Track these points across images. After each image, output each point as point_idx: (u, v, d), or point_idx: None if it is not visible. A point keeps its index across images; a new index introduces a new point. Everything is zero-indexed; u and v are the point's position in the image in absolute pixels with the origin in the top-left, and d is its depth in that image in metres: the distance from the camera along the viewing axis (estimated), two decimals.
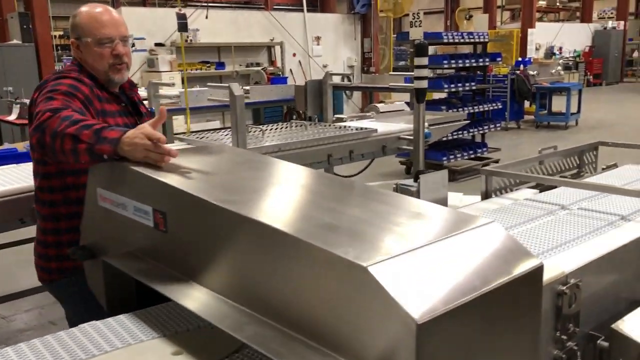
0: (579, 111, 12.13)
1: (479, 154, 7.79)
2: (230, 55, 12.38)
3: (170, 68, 10.86)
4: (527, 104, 12.48)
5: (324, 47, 13.86)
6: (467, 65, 7.54)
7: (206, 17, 11.70)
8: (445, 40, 7.12)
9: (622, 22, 23.00)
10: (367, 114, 4.62)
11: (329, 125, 3.85)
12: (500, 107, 8.05)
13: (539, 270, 1.06)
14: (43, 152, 1.74)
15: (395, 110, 3.60)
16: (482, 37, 7.57)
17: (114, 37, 1.96)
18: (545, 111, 12.26)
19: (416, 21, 7.14)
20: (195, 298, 1.20)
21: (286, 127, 3.71)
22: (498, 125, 7.96)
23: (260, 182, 1.43)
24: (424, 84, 2.26)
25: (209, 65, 12.05)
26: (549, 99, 12.23)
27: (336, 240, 0.99)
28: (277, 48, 13.02)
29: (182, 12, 6.72)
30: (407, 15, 23.49)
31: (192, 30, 11.46)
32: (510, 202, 2.41)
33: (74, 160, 1.65)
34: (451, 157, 7.44)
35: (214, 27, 11.95)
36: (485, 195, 2.54)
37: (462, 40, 7.35)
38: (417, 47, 2.26)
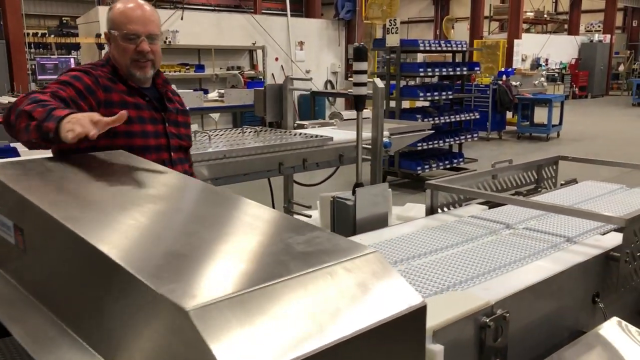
0: (561, 123, 12.05)
1: (455, 165, 7.65)
2: (210, 58, 12.19)
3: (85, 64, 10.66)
4: (509, 114, 12.40)
5: (308, 53, 13.72)
6: (445, 73, 7.41)
7: (181, 19, 11.50)
8: (422, 48, 6.98)
9: (608, 36, 23.09)
10: (331, 121, 4.45)
11: (285, 132, 3.68)
12: (477, 117, 7.92)
13: (420, 312, 0.89)
14: (10, 132, 1.73)
15: (364, 118, 3.43)
16: (460, 45, 7.44)
17: (140, 34, 1.92)
18: (528, 122, 12.17)
19: (392, 28, 6.99)
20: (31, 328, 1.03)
21: (238, 133, 3.54)
22: (475, 135, 7.83)
23: (131, 196, 1.25)
24: (363, 90, 2.10)
25: (188, 67, 11.86)
26: (531, 110, 12.15)
27: (164, 274, 0.82)
28: (259, 52, 12.85)
29: None
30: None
31: (171, 31, 11.27)
32: (454, 219, 2.25)
33: (26, 139, 1.64)
34: (426, 167, 7.29)
35: (194, 29, 11.76)
36: (430, 211, 2.38)
37: (439, 49, 7.22)
38: (355, 51, 2.10)
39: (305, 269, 0.86)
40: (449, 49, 7.35)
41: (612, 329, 1.69)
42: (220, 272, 0.85)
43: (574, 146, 11.15)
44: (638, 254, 1.90)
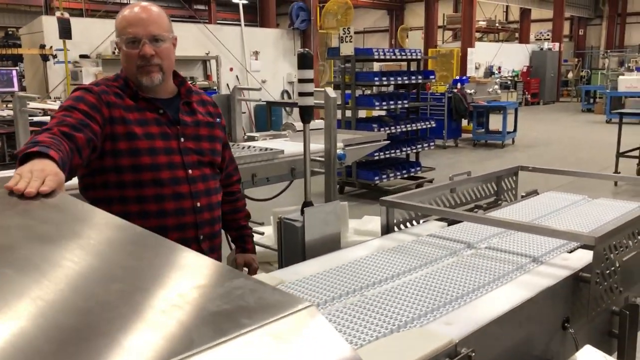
0: (515, 130, 12.19)
1: (412, 174, 7.56)
2: None
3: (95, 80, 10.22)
4: (465, 122, 12.48)
5: (263, 62, 13.51)
6: (400, 82, 7.33)
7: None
8: (376, 57, 6.87)
9: (557, 44, 23.73)
10: (283, 132, 4.25)
11: (233, 145, 3.46)
12: (434, 125, 7.87)
13: None
14: None
15: (318, 129, 3.25)
16: (415, 54, 7.38)
17: (140, 37, 1.79)
18: (483, 130, 12.27)
19: (346, 36, 6.87)
20: None
21: None
22: (432, 143, 7.77)
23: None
24: (310, 100, 1.91)
25: None
26: (486, 118, 12.26)
27: None
28: (213, 62, 12.58)
29: (64, 16, 6.17)
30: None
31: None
32: (411, 238, 2.07)
33: None
34: (384, 176, 7.18)
35: None
36: (386, 229, 2.20)
37: (393, 57, 7.13)
38: (299, 57, 1.91)
39: (214, 338, 0.65)
40: (404, 57, 7.28)
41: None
42: (95, 350, 0.63)
43: (528, 152, 11.27)
44: (607, 273, 1.76)
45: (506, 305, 1.48)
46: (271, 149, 3.24)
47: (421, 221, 2.32)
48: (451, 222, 2.23)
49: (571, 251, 1.90)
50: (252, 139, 3.93)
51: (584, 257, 1.78)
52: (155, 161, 1.82)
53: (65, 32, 5.56)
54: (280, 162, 3.31)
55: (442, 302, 1.48)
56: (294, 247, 1.97)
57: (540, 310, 1.59)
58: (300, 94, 1.93)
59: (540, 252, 1.86)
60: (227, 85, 12.80)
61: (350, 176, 7.33)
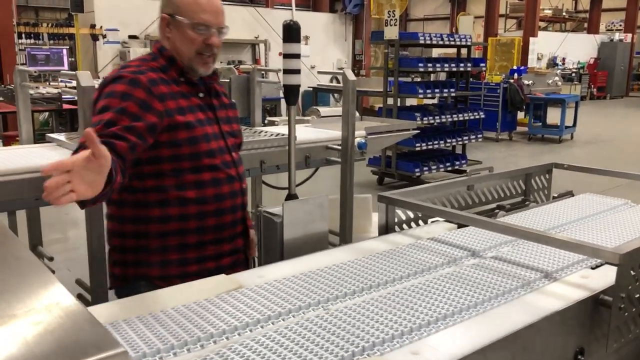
0: (575, 124, 11.48)
1: (457, 167, 7.18)
2: None
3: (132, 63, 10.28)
4: (521, 115, 11.86)
5: (313, 48, 13.28)
6: (447, 69, 6.94)
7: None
8: (422, 42, 6.51)
9: (629, 35, 22.32)
10: (306, 118, 4.02)
11: (246, 130, 3.26)
12: (482, 116, 7.42)
13: None
14: None
15: (339, 115, 3.00)
16: (464, 40, 6.96)
17: (211, 25, 1.77)
18: (540, 123, 11.62)
19: (391, 19, 6.53)
20: None
21: None
22: (479, 135, 7.34)
23: None
24: (295, 79, 1.67)
25: None
26: (543, 111, 11.60)
27: None
28: (262, 46, 12.45)
29: None
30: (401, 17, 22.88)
31: None
32: (410, 241, 1.81)
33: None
34: (425, 168, 6.84)
35: None
36: (385, 230, 1.94)
37: (441, 42, 6.73)
38: (285, 29, 1.67)
39: None
40: (452, 43, 6.87)
41: None
42: None
43: (587, 149, 10.60)
44: (637, 297, 1.45)
45: (497, 331, 1.21)
46: (283, 135, 3.02)
47: (429, 221, 2.06)
48: (461, 225, 1.95)
49: (595, 267, 1.59)
50: (272, 123, 3.72)
51: (608, 276, 1.47)
52: (210, 147, 1.81)
53: (76, 5, 5.47)
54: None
55: (418, 324, 1.22)
56: (272, 245, 1.75)
57: (545, 339, 1.31)
58: (285, 72, 1.70)
59: (556, 266, 1.56)
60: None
61: (389, 167, 7.03)
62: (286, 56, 1.68)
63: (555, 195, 2.42)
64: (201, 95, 1.85)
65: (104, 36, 10.12)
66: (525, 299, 1.39)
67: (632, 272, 1.41)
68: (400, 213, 1.97)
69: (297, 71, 1.70)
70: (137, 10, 10.76)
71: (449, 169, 7.18)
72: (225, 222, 1.83)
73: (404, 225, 1.99)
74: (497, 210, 2.24)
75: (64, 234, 5.51)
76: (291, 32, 1.68)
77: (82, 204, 1.43)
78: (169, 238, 1.77)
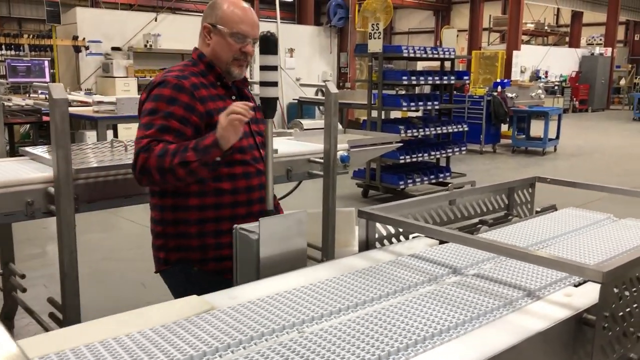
0: (558, 137, 11.58)
1: (441, 179, 7.17)
2: None
3: (126, 74, 10.21)
4: (505, 127, 11.93)
5: (298, 60, 13.29)
6: (431, 82, 6.95)
7: (155, 20, 11.03)
8: (405, 54, 6.51)
9: (609, 49, 22.67)
10: (289, 130, 3.97)
11: None
12: (466, 129, 7.44)
13: None
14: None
15: (322, 128, 2.95)
16: (447, 53, 6.98)
17: (248, 36, 2.02)
18: (523, 136, 11.69)
19: (375, 32, 6.54)
20: None
21: None
22: (463, 148, 7.34)
23: None
24: (273, 91, 1.63)
25: None
26: (527, 123, 11.68)
27: None
28: None
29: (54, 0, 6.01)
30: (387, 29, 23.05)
31: (152, 35, 10.85)
32: (390, 258, 1.76)
33: (194, 179, 1.90)
34: (409, 181, 6.81)
35: (177, 33, 11.34)
36: (366, 246, 1.89)
37: (424, 55, 6.75)
38: (261, 40, 1.63)
39: None
40: (435, 56, 6.89)
41: None
42: None
43: (570, 161, 10.67)
44: (621, 315, 1.41)
45: (479, 354, 1.16)
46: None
47: (410, 236, 2.01)
48: (443, 240, 1.90)
49: (578, 284, 1.56)
50: None
51: (591, 293, 1.44)
52: (240, 144, 1.98)
53: (53, 16, 5.39)
54: (273, 162, 3.02)
55: (396, 348, 1.17)
56: (249, 263, 1.69)
57: (531, 357, 1.26)
58: (262, 84, 1.65)
59: (539, 284, 1.52)
60: None
61: (374, 179, 7.00)
62: (263, 68, 1.64)
63: (539, 209, 2.40)
64: (234, 97, 2.09)
65: (87, 48, 10.02)
66: (508, 319, 1.35)
67: (615, 289, 1.38)
68: (381, 228, 1.93)
69: (275, 84, 1.66)
70: (120, 23, 10.70)
71: (433, 181, 7.17)
72: (254, 211, 2.04)
73: (385, 241, 1.95)
74: (479, 225, 2.21)
75: (42, 248, 5.40)
76: (268, 44, 1.64)
77: (204, 169, 1.84)
78: (206, 225, 1.98)
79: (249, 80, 2.17)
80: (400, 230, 1.96)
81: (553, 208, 2.41)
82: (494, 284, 1.53)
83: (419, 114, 8.26)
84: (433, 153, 7.10)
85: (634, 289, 1.44)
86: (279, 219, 1.70)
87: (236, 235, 1.74)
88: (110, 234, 6.02)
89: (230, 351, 1.17)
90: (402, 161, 6.70)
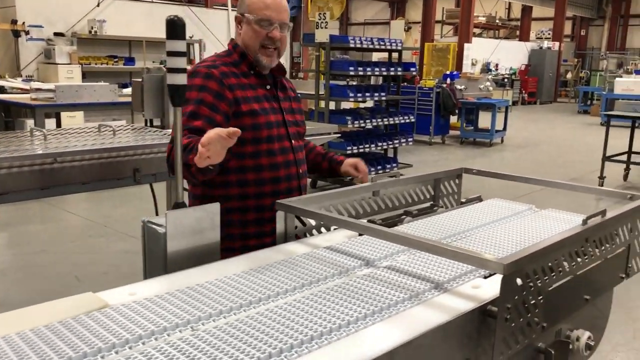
0: (505, 129, 11.83)
1: (387, 170, 7.21)
2: (142, 50, 11.45)
3: (69, 60, 9.85)
4: (454, 119, 12.12)
5: None
6: (377, 73, 6.97)
7: (97, 5, 10.68)
8: (352, 45, 6.49)
9: (557, 43, 23.30)
10: None
11: (156, 132, 3.11)
12: (413, 120, 7.51)
13: None
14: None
15: None
16: (394, 44, 7.00)
17: (274, 21, 2.02)
18: (472, 127, 11.91)
19: (322, 22, 6.49)
20: None
21: (94, 132, 2.95)
22: (410, 139, 7.41)
23: None
24: (181, 78, 1.57)
25: (116, 60, 11.09)
26: (475, 115, 11.89)
27: None
28: (197, 46, 12.19)
29: None
30: (337, 19, 23.09)
31: (97, 21, 10.51)
32: (306, 250, 1.73)
33: (194, 180, 1.93)
34: None
35: (124, 19, 11.01)
36: (285, 238, 1.86)
37: (371, 47, 6.74)
38: (168, 25, 1.56)
39: None
40: (382, 47, 6.90)
41: None
42: None
43: (516, 152, 10.93)
44: (525, 306, 1.42)
45: (372, 351, 1.14)
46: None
47: (332, 228, 1.99)
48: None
49: (488, 276, 1.56)
50: None
51: (499, 285, 1.44)
52: (270, 133, 2.03)
53: None
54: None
55: (290, 344, 1.14)
56: (156, 257, 1.63)
57: (426, 354, 1.25)
58: (170, 70, 1.58)
59: (448, 276, 1.52)
60: None
61: None
62: (171, 54, 1.57)
63: (463, 200, 2.41)
64: (268, 87, 2.10)
65: (27, 33, 9.62)
66: (410, 312, 1.33)
67: (519, 281, 1.38)
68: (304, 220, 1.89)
69: (183, 70, 1.59)
70: (64, 7, 10.31)
71: (380, 172, 7.21)
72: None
73: (307, 233, 1.91)
74: (404, 217, 2.20)
75: None
76: (175, 29, 1.57)
77: (200, 175, 1.81)
78: (231, 214, 1.98)
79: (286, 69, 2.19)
80: (321, 223, 1.93)
81: (478, 199, 2.43)
82: (404, 277, 1.52)
83: (371, 104, 8.28)
84: (380, 144, 7.13)
85: (539, 280, 1.45)
86: (187, 212, 1.65)
87: (144, 229, 1.67)
88: (48, 225, 5.82)
89: (114, 351, 1.11)
90: (349, 152, 6.71)
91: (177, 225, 1.61)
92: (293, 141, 2.13)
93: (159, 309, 1.29)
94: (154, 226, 1.65)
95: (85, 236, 5.50)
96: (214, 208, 1.70)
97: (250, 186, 2.03)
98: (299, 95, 2.30)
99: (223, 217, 1.97)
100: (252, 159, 2.02)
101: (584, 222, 1.64)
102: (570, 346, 1.73)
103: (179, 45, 1.56)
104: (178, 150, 1.67)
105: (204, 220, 1.68)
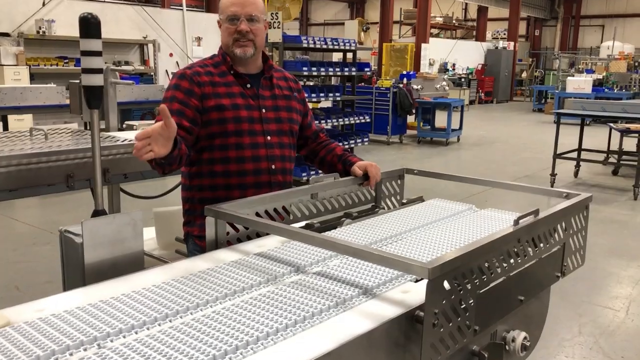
0: (461, 127, 11.98)
1: None
2: None
3: (16, 62, 9.51)
4: (411, 118, 12.21)
5: (206, 49, 12.93)
6: (332, 74, 6.94)
7: (43, 5, 10.36)
8: (305, 45, 6.44)
9: (512, 43, 23.78)
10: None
11: (84, 136, 2.99)
12: (367, 120, 7.51)
13: None
14: None
15: None
16: (348, 44, 6.98)
17: (239, 15, 2.07)
18: (429, 127, 12.02)
19: (274, 22, 6.42)
20: None
21: (26, 135, 2.81)
22: (365, 139, 7.41)
23: None
24: (97, 79, 1.48)
25: (67, 61, 10.77)
26: (432, 115, 12.01)
27: None
28: (151, 47, 11.94)
29: None
30: (296, 19, 22.97)
31: (45, 21, 10.18)
32: (236, 257, 1.66)
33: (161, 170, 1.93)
34: (312, 172, 6.78)
35: (74, 19, 10.70)
36: (215, 245, 1.79)
37: (324, 47, 6.71)
38: (81, 23, 1.47)
39: None
40: (336, 47, 6.87)
41: None
42: None
43: (472, 151, 11.08)
44: (454, 310, 1.38)
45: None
46: (131, 141, 2.79)
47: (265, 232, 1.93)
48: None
49: (419, 280, 1.52)
50: (130, 127, 3.47)
51: None
52: (239, 128, 2.10)
53: None
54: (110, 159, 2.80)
55: (227, 350, 1.07)
56: (75, 268, 1.54)
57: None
58: (85, 71, 1.49)
59: (378, 280, 1.48)
60: (166, 71, 12.21)
61: None
62: (85, 53, 1.48)
63: (404, 201, 2.38)
64: (248, 86, 2.16)
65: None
66: (334, 320, 1.29)
67: (446, 285, 1.35)
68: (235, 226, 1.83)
69: (99, 70, 1.51)
70: (9, 7, 9.95)
71: None
72: (248, 195, 2.03)
73: (239, 239, 1.85)
74: (344, 219, 2.16)
75: None
76: (88, 27, 1.49)
77: (161, 168, 1.86)
78: (205, 204, 1.92)
79: (273, 67, 2.28)
80: (249, 228, 1.87)
81: (420, 199, 2.41)
82: (333, 283, 1.47)
83: (329, 105, 8.25)
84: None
85: (468, 283, 1.42)
86: (106, 220, 1.56)
87: (61, 239, 1.58)
88: None
89: None
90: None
91: (94, 235, 1.52)
92: (269, 137, 2.16)
93: (65, 325, 1.20)
94: (71, 236, 1.55)
95: (29, 244, 5.29)
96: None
97: (219, 177, 2.11)
98: (295, 94, 2.32)
99: (198, 207, 2.11)
100: (220, 152, 2.10)
101: (516, 222, 1.63)
102: (507, 347, 1.72)
103: (94, 45, 1.48)
104: (97, 153, 1.58)
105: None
